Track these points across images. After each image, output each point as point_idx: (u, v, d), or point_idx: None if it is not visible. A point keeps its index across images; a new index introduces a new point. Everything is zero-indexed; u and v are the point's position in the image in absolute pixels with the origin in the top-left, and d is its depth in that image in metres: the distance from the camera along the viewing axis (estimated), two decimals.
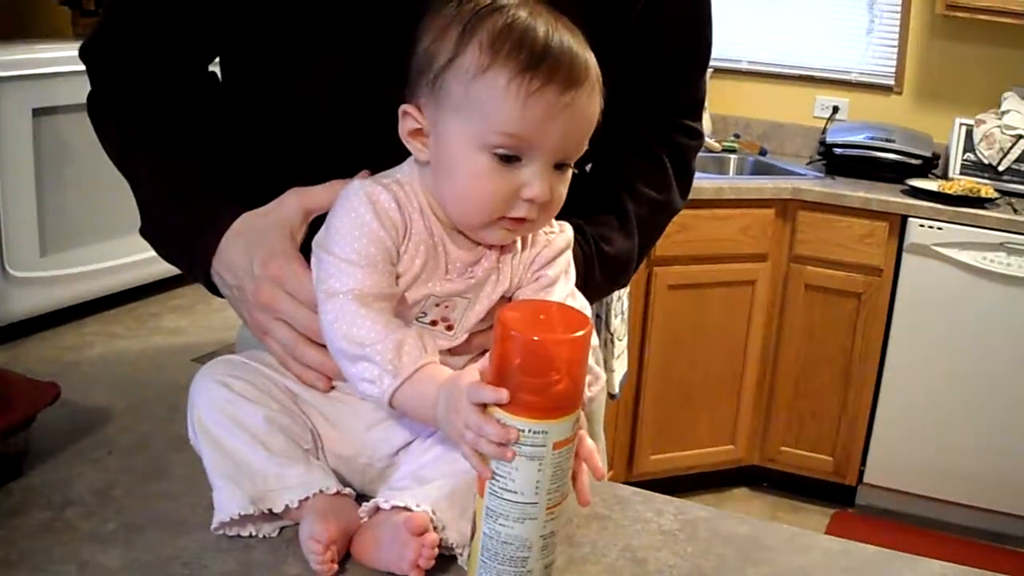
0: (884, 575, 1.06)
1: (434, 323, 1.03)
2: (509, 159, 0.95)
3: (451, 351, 1.05)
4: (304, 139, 1.18)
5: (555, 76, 0.92)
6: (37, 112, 1.59)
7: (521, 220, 0.98)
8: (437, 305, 1.02)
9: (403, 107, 1.00)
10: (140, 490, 1.11)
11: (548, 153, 0.95)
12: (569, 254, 1.09)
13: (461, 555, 0.96)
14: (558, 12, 0.97)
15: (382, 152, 1.05)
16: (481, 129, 0.94)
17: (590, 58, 0.96)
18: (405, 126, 1.01)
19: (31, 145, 1.60)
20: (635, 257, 1.33)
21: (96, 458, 1.18)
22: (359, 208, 0.98)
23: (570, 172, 1.00)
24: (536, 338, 0.84)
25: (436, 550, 0.92)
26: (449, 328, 1.03)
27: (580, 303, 1.08)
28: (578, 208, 1.14)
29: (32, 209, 1.62)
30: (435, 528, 0.94)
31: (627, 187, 1.31)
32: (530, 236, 1.06)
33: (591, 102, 0.97)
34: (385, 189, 0.99)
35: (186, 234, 1.15)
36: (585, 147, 0.99)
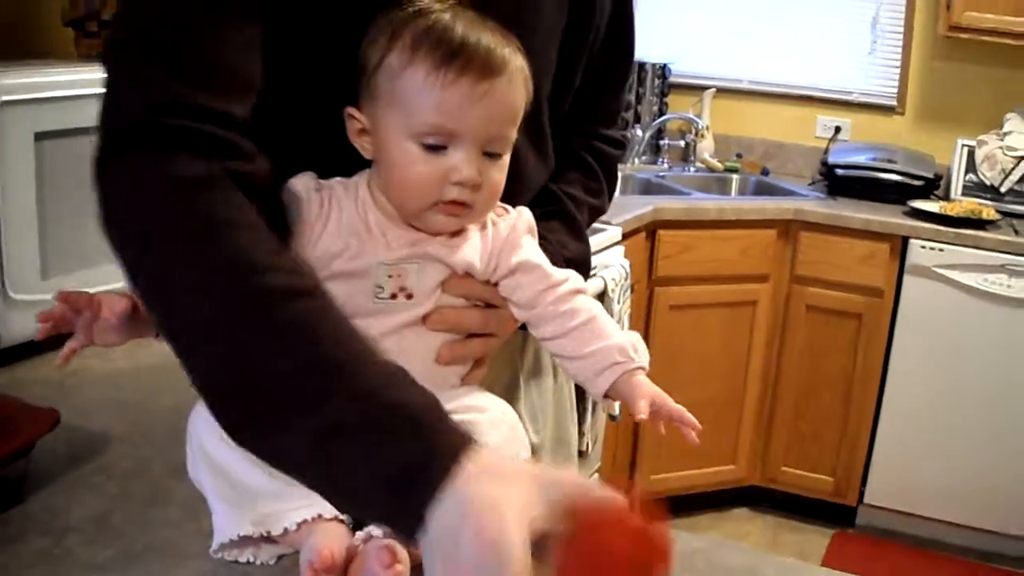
0: None
1: (394, 296, 1.06)
2: (435, 148, 1.02)
3: (425, 322, 1.08)
4: (294, 142, 1.16)
5: (469, 68, 1.00)
6: (39, 136, 1.60)
7: (457, 204, 1.04)
8: (390, 277, 1.05)
9: (346, 109, 1.06)
10: (139, 517, 1.11)
11: (472, 140, 1.02)
12: (535, 236, 1.16)
13: None
14: (486, 16, 1.04)
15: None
16: (407, 121, 1.01)
17: (510, 54, 1.03)
18: (351, 127, 1.07)
19: (33, 168, 1.61)
20: (587, 258, 1.37)
21: (95, 484, 1.19)
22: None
23: (504, 160, 1.07)
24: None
25: None
26: (409, 297, 1.07)
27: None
28: None
29: (33, 232, 1.62)
30: None
31: (568, 194, 1.36)
32: (489, 224, 1.12)
33: (510, 91, 1.04)
34: (310, 180, 1.07)
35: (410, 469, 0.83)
36: (512, 135, 1.06)
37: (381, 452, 0.82)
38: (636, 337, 1.14)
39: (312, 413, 0.83)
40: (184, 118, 0.92)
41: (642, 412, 1.09)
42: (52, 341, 1.66)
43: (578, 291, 1.14)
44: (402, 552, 0.94)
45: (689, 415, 1.12)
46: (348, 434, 0.82)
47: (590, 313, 1.13)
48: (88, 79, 1.61)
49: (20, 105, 1.58)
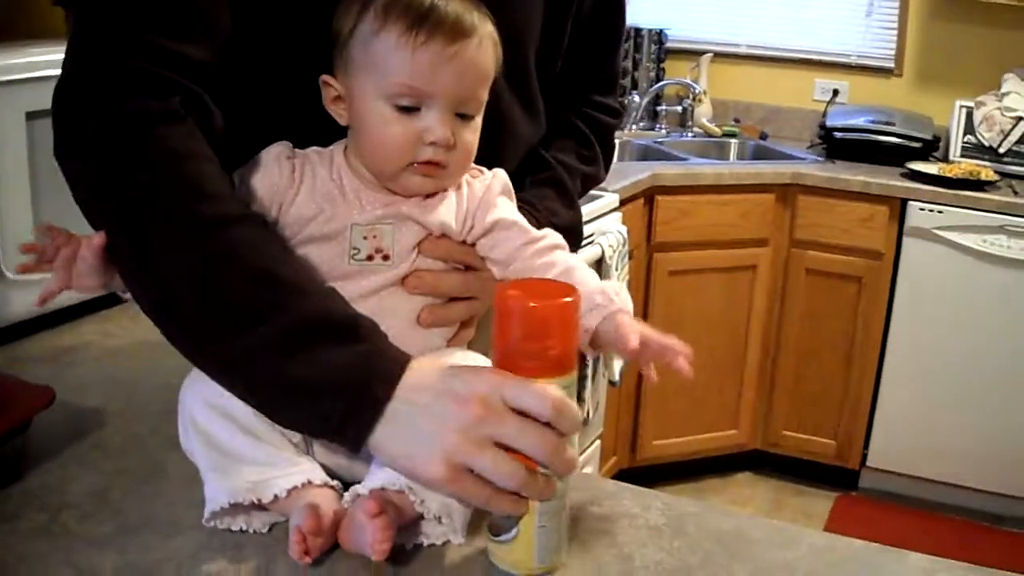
0: (870, 569, 1.07)
1: (370, 257, 1.08)
2: (408, 109, 1.05)
3: (405, 285, 1.10)
4: (272, 113, 1.18)
5: (438, 30, 1.03)
6: (31, 115, 1.60)
7: (431, 164, 1.07)
8: (365, 238, 1.08)
9: (322, 77, 1.09)
10: (135, 492, 1.13)
11: (444, 100, 1.05)
12: (512, 198, 1.19)
13: (445, 524, 1.01)
14: None
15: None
16: (381, 83, 1.04)
17: (478, 19, 1.07)
18: (326, 95, 1.10)
19: (25, 148, 1.61)
20: (579, 226, 1.39)
21: (92, 460, 1.20)
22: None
23: (477, 122, 1.10)
24: (533, 304, 0.93)
25: (390, 531, 0.95)
26: (386, 258, 1.09)
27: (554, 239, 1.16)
28: (517, 184, 1.22)
29: (27, 211, 1.63)
30: (413, 502, 0.98)
31: (560, 161, 1.38)
32: (464, 185, 1.14)
33: (480, 53, 1.07)
34: (284, 148, 1.11)
35: (347, 375, 0.94)
36: (483, 97, 1.10)
37: (341, 347, 0.94)
38: (619, 284, 1.15)
39: (269, 319, 0.94)
40: (146, 61, 0.98)
41: (633, 343, 1.09)
42: (48, 319, 1.68)
43: (556, 246, 1.15)
44: (388, 505, 0.96)
45: (679, 341, 1.12)
46: (310, 332, 0.94)
47: (568, 264, 1.13)
48: None
49: (11, 85, 1.59)
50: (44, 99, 1.47)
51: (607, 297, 1.11)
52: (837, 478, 4.12)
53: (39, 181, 1.63)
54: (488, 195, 1.14)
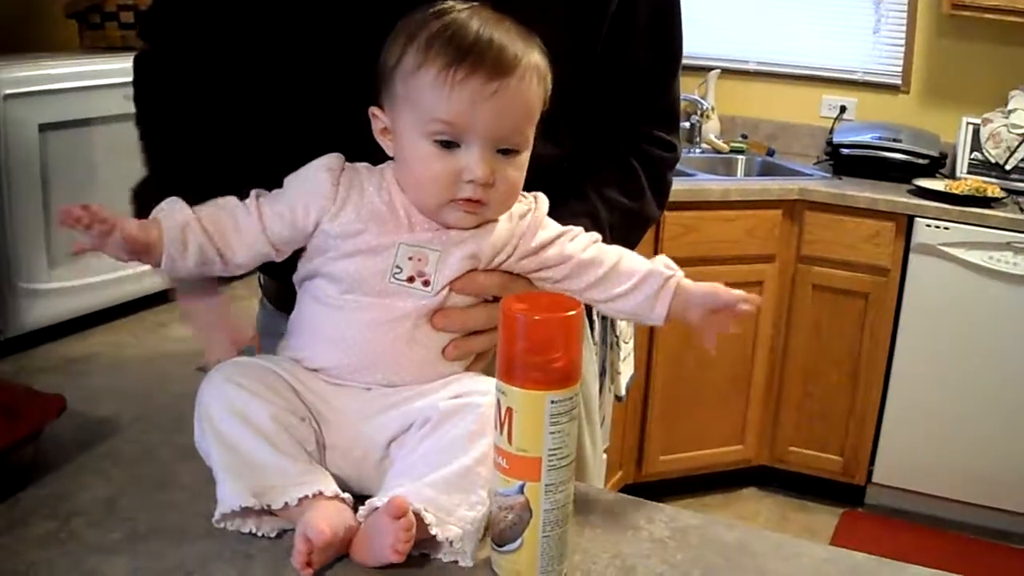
0: None
1: (411, 279, 1.09)
2: (448, 144, 1.06)
3: (432, 323, 1.11)
4: (313, 137, 1.21)
5: (479, 68, 1.03)
6: (44, 127, 1.62)
7: (472, 201, 1.08)
8: (410, 259, 1.09)
9: (371, 109, 1.11)
10: (145, 500, 1.13)
11: (484, 138, 1.06)
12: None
13: (455, 546, 1.00)
14: (502, 14, 1.08)
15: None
16: (420, 118, 1.06)
17: (523, 51, 1.07)
18: (375, 126, 1.13)
19: (38, 160, 1.62)
20: None
21: (102, 469, 1.20)
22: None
23: (521, 158, 1.11)
24: (537, 318, 0.95)
25: (412, 534, 0.96)
26: (426, 283, 1.10)
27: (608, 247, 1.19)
28: (551, 213, 1.22)
29: (39, 223, 1.64)
30: (428, 524, 0.97)
31: (599, 194, 1.37)
32: (515, 215, 1.15)
33: (522, 89, 1.07)
34: (335, 159, 1.13)
35: None
36: (527, 133, 1.10)
37: None
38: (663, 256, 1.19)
39: None
40: None
41: (718, 285, 1.16)
42: (58, 329, 1.69)
43: (596, 241, 1.19)
44: (410, 511, 0.96)
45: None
46: None
47: (620, 252, 1.18)
48: (91, 71, 1.64)
49: (24, 97, 1.60)
50: (57, 111, 1.49)
51: (671, 267, 1.17)
52: (843, 494, 4.12)
53: (51, 193, 1.65)
54: (534, 221, 1.15)
